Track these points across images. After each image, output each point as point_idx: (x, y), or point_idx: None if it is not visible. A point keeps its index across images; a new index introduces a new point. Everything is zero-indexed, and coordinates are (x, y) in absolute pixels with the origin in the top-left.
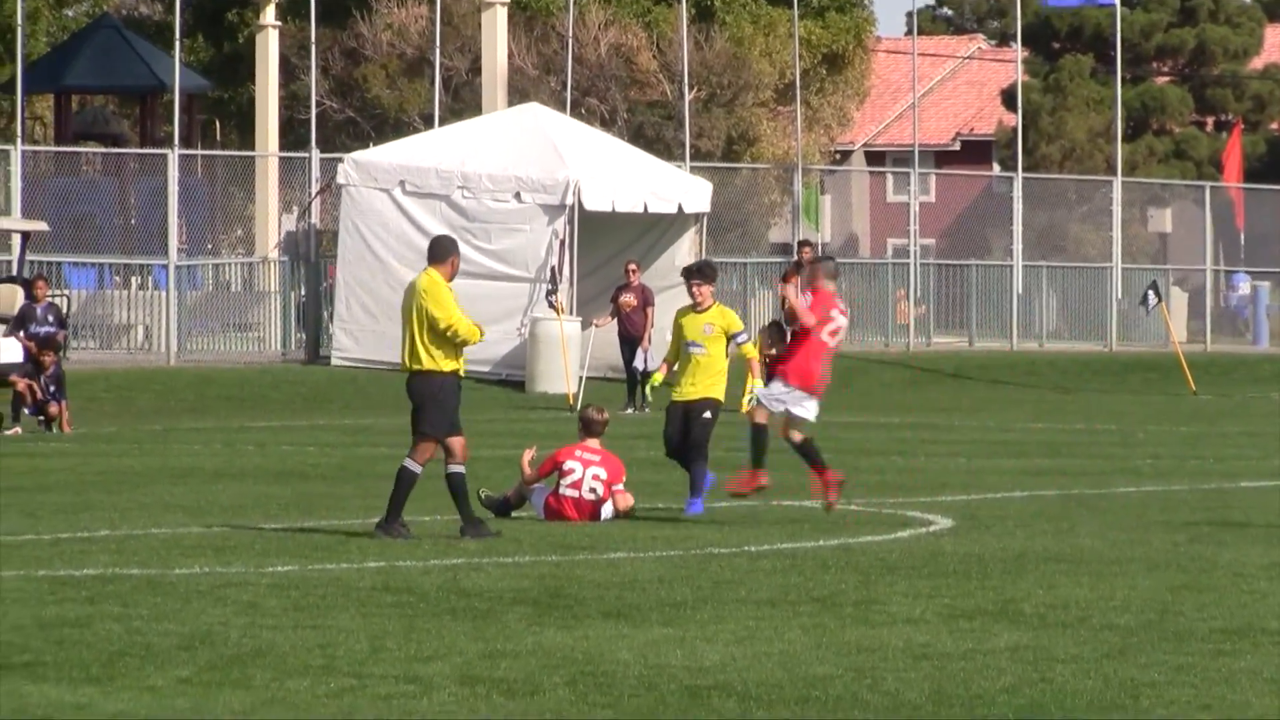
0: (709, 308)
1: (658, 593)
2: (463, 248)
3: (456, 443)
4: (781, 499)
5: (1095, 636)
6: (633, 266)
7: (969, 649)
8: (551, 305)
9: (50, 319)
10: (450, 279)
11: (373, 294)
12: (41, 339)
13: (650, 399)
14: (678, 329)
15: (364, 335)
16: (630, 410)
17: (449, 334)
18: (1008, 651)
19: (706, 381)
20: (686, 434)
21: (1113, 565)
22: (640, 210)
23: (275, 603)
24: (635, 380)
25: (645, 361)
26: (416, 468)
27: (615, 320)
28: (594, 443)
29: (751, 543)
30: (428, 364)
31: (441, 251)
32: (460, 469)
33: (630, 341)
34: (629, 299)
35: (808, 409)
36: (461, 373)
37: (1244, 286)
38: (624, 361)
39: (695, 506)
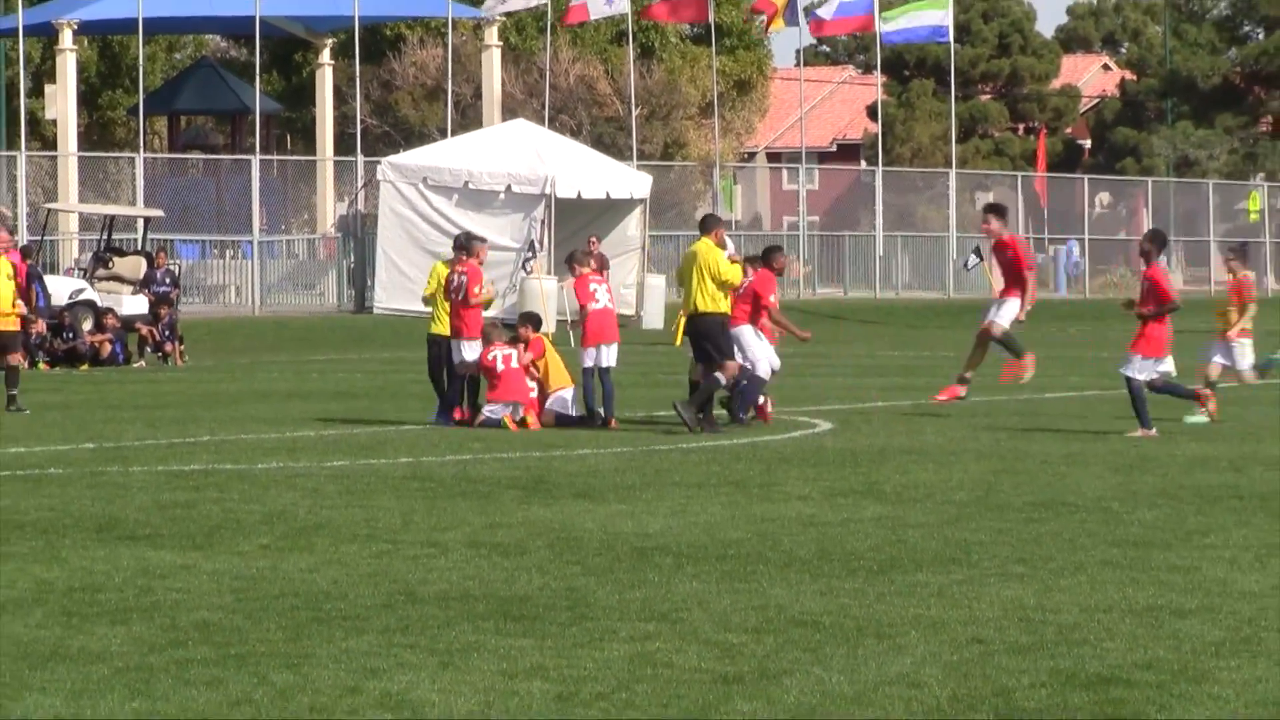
0: None
1: (613, 479)
2: (468, 224)
3: (730, 365)
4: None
5: (937, 509)
6: (593, 240)
7: (844, 519)
8: (524, 268)
9: (168, 281)
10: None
11: (406, 260)
12: (160, 295)
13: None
14: None
15: (398, 291)
16: None
17: (728, 286)
18: (872, 520)
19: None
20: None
21: (950, 455)
22: (601, 197)
23: (332, 488)
24: None
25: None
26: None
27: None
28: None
29: (683, 442)
30: (709, 308)
31: (709, 224)
32: (721, 380)
33: None
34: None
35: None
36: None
37: (1076, 251)
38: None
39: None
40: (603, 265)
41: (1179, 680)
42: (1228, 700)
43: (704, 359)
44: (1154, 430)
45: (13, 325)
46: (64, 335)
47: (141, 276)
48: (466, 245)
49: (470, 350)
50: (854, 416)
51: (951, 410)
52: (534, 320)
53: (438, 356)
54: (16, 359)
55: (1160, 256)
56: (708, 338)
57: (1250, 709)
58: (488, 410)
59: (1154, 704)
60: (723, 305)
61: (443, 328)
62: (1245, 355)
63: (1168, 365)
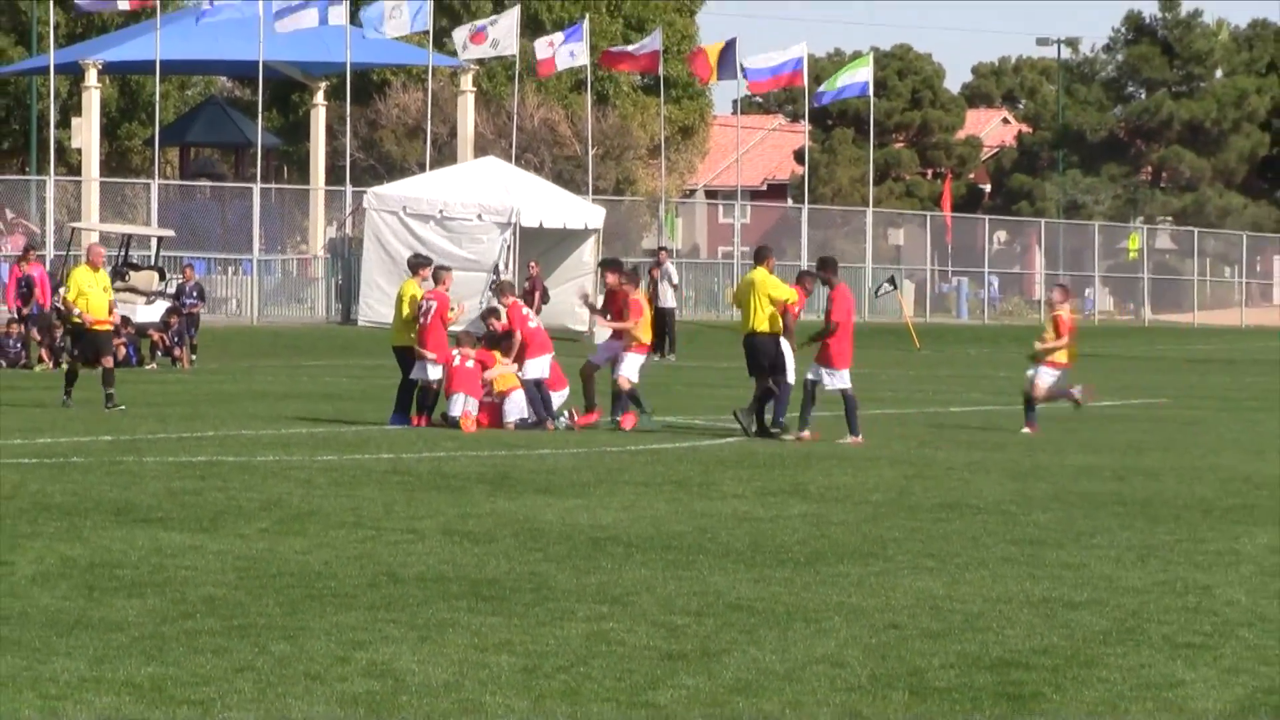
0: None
1: (571, 476)
2: (443, 247)
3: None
4: (658, 416)
5: (856, 508)
6: (533, 264)
7: (774, 515)
8: (492, 289)
9: (195, 294)
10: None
11: (387, 278)
12: (186, 306)
13: None
14: None
15: (380, 305)
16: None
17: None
18: (799, 517)
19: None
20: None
21: (868, 460)
22: (560, 226)
23: (322, 480)
24: None
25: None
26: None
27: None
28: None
29: (631, 444)
30: (763, 328)
31: (763, 254)
32: (778, 391)
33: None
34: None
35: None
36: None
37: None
38: None
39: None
40: (534, 287)
41: (1072, 665)
42: (1115, 683)
43: (758, 373)
44: (808, 433)
45: (108, 329)
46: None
47: (174, 289)
48: (435, 274)
49: (434, 370)
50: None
51: (865, 421)
52: (508, 288)
53: (408, 365)
54: (109, 361)
55: (838, 279)
56: (764, 354)
57: (1135, 691)
58: (449, 404)
59: (1050, 685)
60: (776, 326)
61: (405, 340)
62: (1049, 378)
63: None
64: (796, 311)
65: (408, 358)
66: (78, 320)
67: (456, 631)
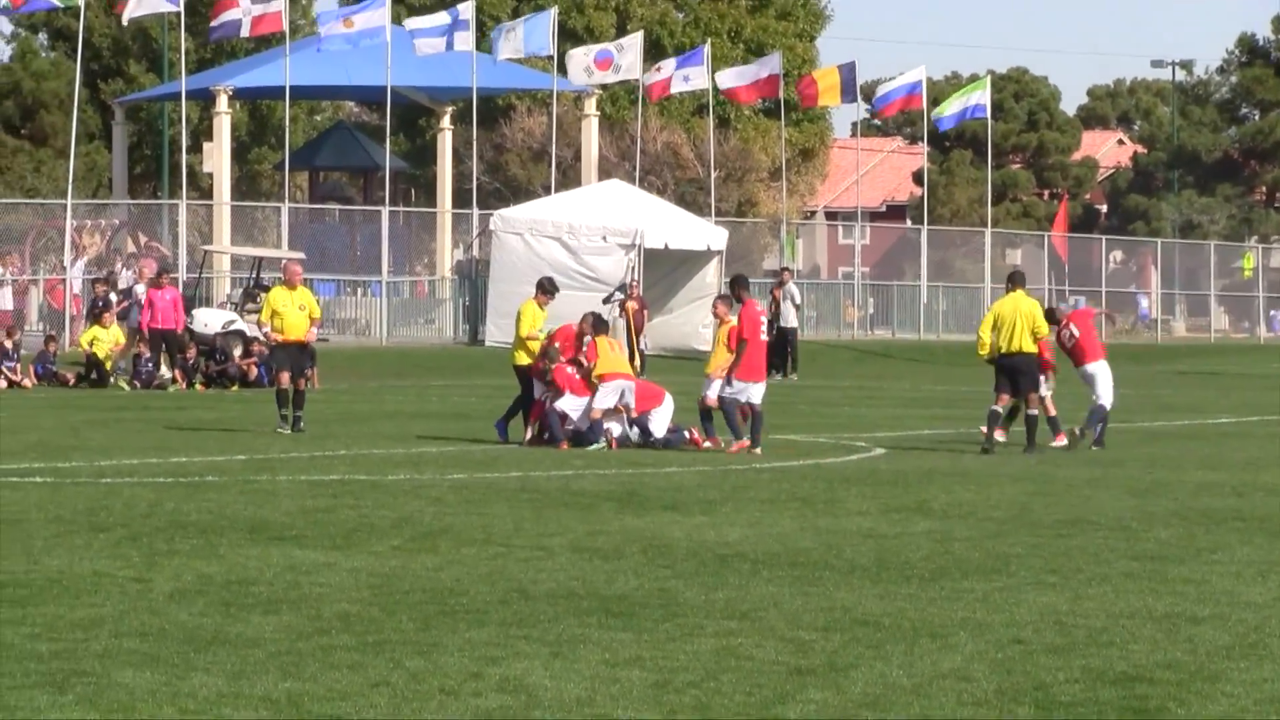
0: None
1: (697, 494)
2: (569, 267)
3: (1033, 397)
4: (774, 434)
5: (979, 525)
6: (634, 283)
7: (898, 531)
8: (606, 301)
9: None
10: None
11: (514, 299)
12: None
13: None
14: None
15: (507, 325)
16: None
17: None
18: (923, 534)
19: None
20: None
21: (989, 478)
22: (682, 248)
23: (453, 498)
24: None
25: (645, 344)
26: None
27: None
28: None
29: (756, 463)
30: (1029, 348)
31: (1018, 279)
32: (1034, 412)
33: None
34: (632, 304)
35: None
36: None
37: (1144, 304)
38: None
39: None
40: (643, 305)
41: (1196, 679)
42: (1238, 698)
43: (1013, 391)
44: (745, 441)
45: (305, 347)
46: (217, 359)
47: None
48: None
49: (574, 404)
50: (903, 443)
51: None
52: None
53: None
54: (303, 383)
55: (748, 295)
56: (1022, 372)
57: (1259, 706)
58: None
59: (1174, 700)
60: (1033, 346)
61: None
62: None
63: (758, 390)
64: (1049, 344)
65: (526, 375)
66: (277, 337)
67: (587, 647)
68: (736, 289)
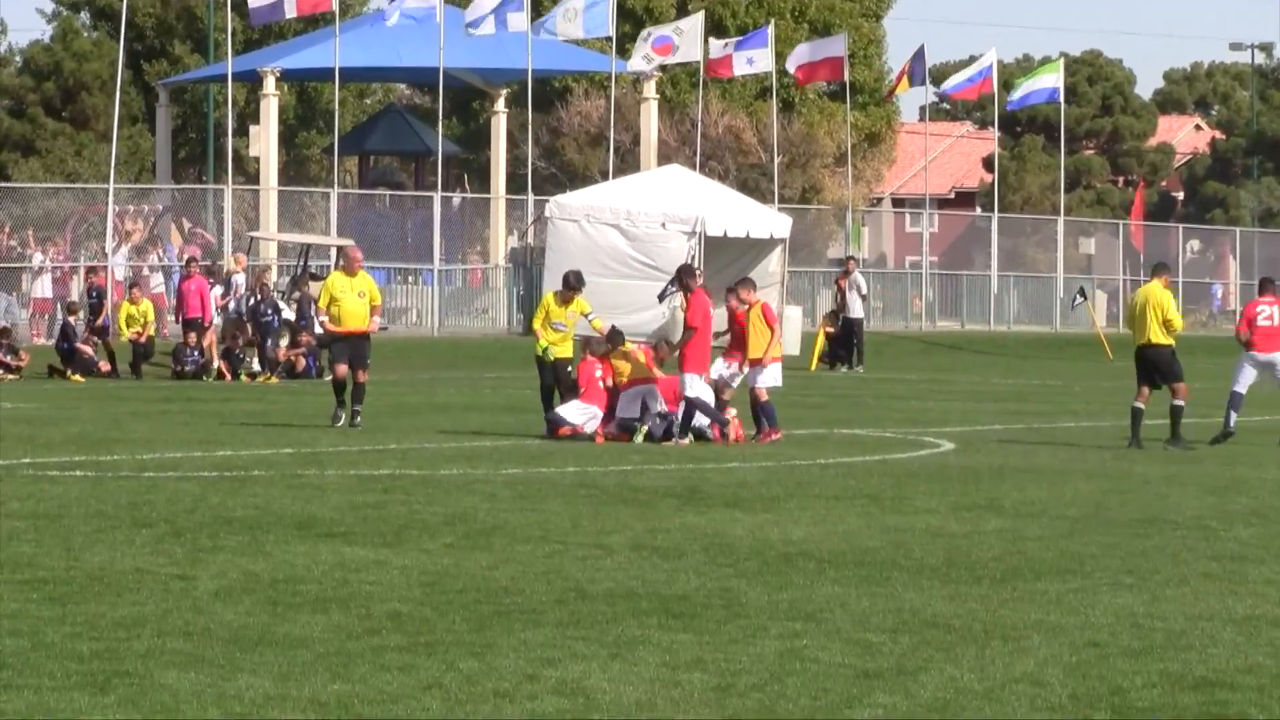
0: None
1: (759, 490)
2: (627, 254)
3: (1180, 387)
4: (840, 429)
5: (1052, 523)
6: (699, 271)
7: (968, 530)
8: (661, 298)
9: None
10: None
11: None
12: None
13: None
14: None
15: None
16: None
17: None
18: (994, 533)
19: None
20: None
21: (1062, 474)
22: (744, 236)
23: (507, 494)
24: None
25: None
26: (1180, 401)
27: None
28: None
29: (821, 458)
30: (1159, 340)
31: (1160, 270)
32: (1179, 402)
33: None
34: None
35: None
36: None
37: (1218, 294)
38: None
39: None
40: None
41: (1278, 684)
42: None
43: (1150, 382)
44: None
45: (365, 336)
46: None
47: None
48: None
49: (576, 411)
50: (973, 438)
51: (1058, 434)
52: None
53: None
54: (363, 375)
55: (696, 284)
56: (1158, 365)
57: None
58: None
59: (1256, 705)
60: (1170, 338)
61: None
62: None
63: (712, 378)
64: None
65: (544, 366)
66: (334, 328)
67: (647, 649)
68: (684, 278)
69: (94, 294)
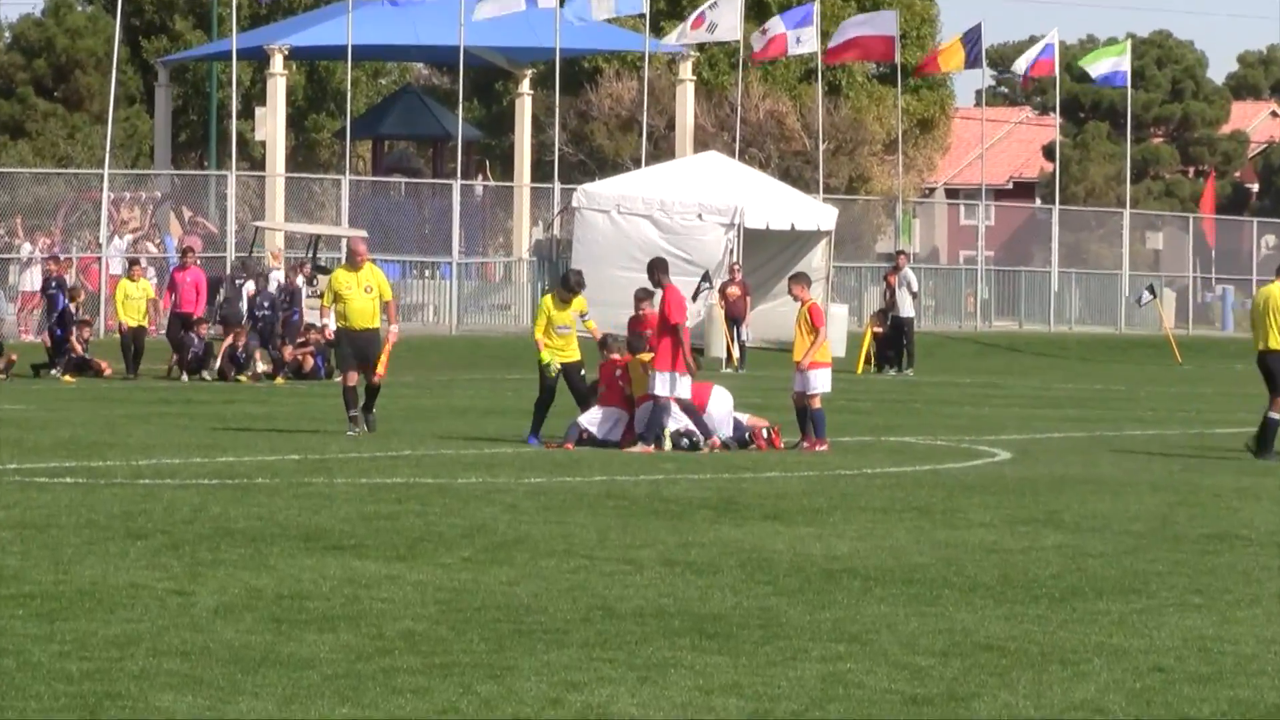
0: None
1: (801, 501)
2: (661, 248)
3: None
4: (888, 436)
5: (1115, 539)
6: (737, 267)
7: (1025, 546)
8: (694, 297)
9: None
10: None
11: (598, 283)
12: None
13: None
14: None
15: (591, 313)
16: (728, 369)
17: None
18: (1053, 548)
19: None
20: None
21: (1126, 486)
22: (786, 228)
23: (530, 504)
24: (741, 346)
25: (747, 334)
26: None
27: (724, 304)
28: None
29: (867, 467)
30: (1276, 345)
31: None
32: (1275, 415)
33: (734, 320)
34: (734, 290)
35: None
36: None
37: None
38: (729, 335)
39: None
40: (746, 291)
41: None
42: None
43: (1276, 390)
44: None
45: (373, 335)
46: (269, 348)
47: None
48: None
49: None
50: (1031, 446)
51: (1122, 442)
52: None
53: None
54: (375, 375)
55: (668, 279)
56: (1272, 373)
57: None
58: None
59: None
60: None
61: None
62: None
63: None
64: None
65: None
66: (341, 325)
67: (679, 672)
68: (655, 273)
69: (52, 285)
